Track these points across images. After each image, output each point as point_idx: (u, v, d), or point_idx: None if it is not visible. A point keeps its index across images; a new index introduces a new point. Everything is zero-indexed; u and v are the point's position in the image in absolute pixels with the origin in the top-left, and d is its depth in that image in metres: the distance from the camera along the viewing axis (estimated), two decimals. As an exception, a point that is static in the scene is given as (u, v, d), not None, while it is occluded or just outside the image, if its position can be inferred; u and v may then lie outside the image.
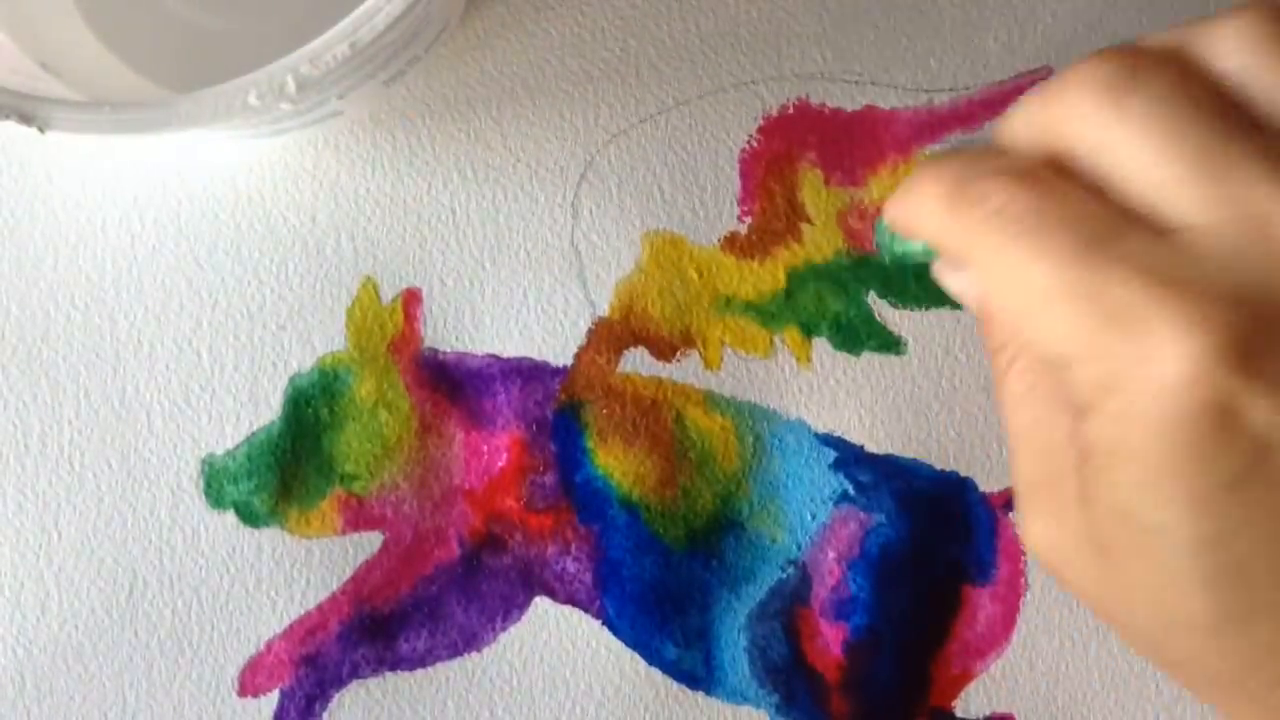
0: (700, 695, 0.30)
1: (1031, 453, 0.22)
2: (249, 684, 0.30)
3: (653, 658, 0.30)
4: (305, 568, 0.30)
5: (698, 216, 0.31)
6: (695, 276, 0.31)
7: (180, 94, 0.23)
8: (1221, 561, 0.19)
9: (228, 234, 0.30)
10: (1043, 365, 0.22)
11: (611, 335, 0.31)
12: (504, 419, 0.30)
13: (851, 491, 0.31)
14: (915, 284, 0.31)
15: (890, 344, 0.31)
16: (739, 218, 0.31)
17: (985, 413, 0.31)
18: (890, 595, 0.31)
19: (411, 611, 0.30)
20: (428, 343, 0.30)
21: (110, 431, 0.30)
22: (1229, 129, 0.19)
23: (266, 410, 0.30)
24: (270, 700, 0.30)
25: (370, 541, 0.30)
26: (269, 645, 0.30)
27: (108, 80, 0.28)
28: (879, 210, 0.29)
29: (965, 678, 0.31)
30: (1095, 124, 0.20)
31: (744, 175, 0.31)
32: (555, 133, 0.31)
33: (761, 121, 0.31)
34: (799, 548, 0.31)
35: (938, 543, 0.31)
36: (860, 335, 0.31)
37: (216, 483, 0.30)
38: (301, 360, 0.30)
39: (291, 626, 0.30)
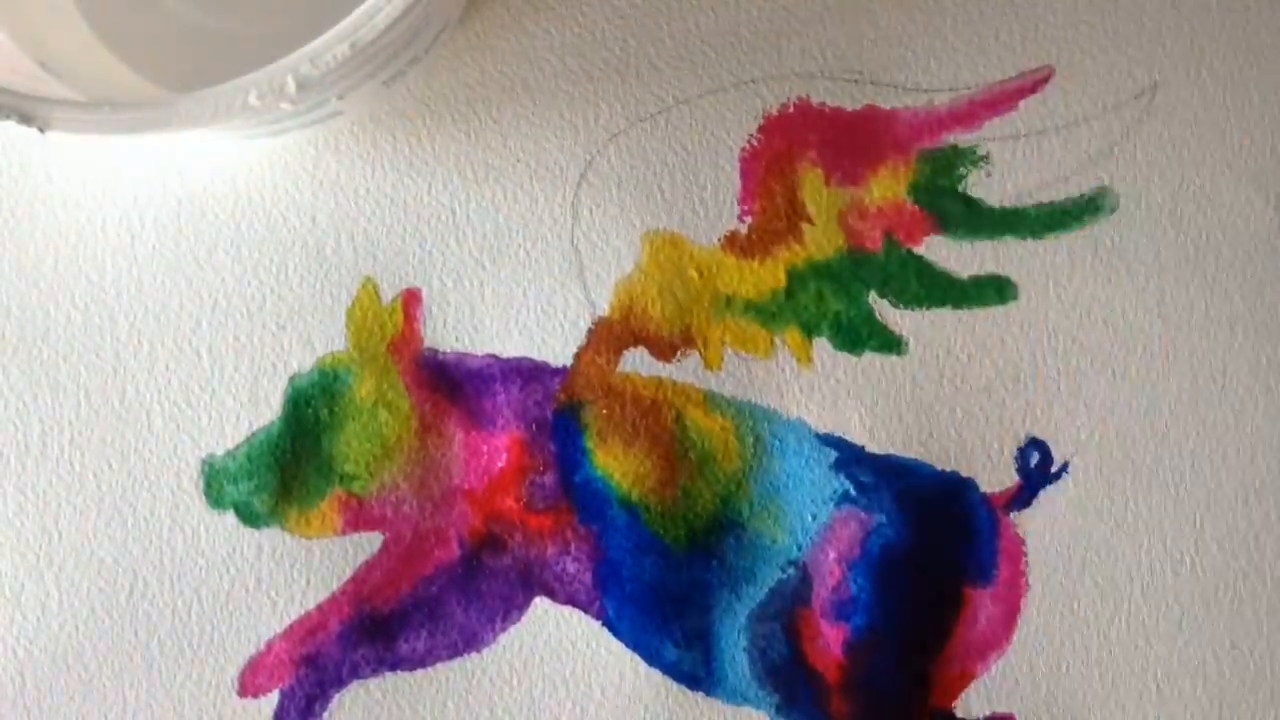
0: (700, 696, 0.30)
1: None
2: (249, 684, 0.30)
3: (652, 658, 0.30)
4: (305, 568, 0.30)
5: (698, 216, 0.31)
6: (695, 276, 0.31)
7: (180, 94, 0.23)
8: None
9: (228, 234, 0.30)
10: None
11: (611, 335, 0.31)
12: (504, 419, 0.30)
13: (852, 492, 0.31)
14: (916, 283, 0.31)
15: (891, 344, 0.31)
16: (739, 217, 0.31)
17: (986, 413, 0.31)
18: (891, 596, 0.31)
19: (411, 611, 0.30)
20: (428, 343, 0.30)
21: (110, 431, 0.30)
22: None
23: (266, 410, 0.30)
24: (270, 700, 0.30)
25: (370, 541, 0.30)
26: (269, 645, 0.30)
27: (108, 80, 0.28)
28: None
29: (966, 678, 0.31)
30: None
31: (744, 175, 0.31)
32: (555, 133, 0.31)
33: (762, 121, 0.31)
34: (799, 548, 0.31)
35: (939, 543, 0.31)
36: (861, 335, 0.31)
37: (216, 483, 0.30)
38: (301, 360, 0.30)
39: (291, 626, 0.30)
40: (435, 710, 0.30)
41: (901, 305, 0.31)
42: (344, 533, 0.30)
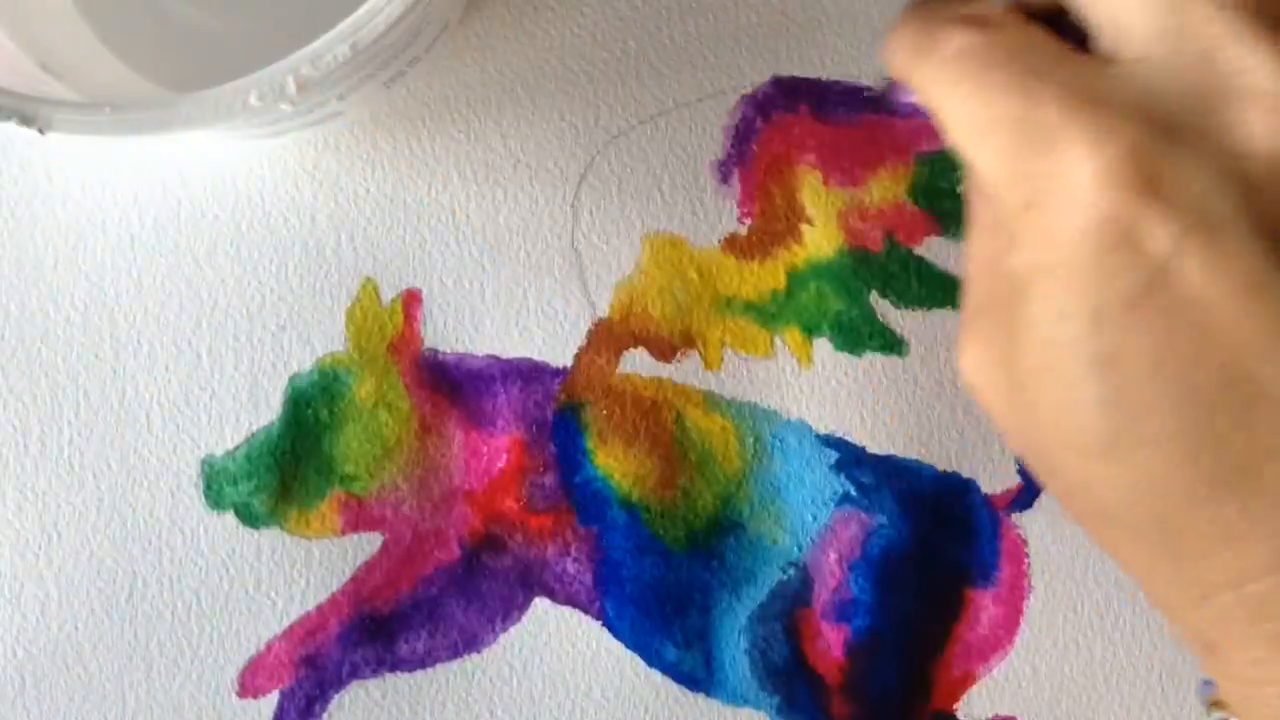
0: (700, 697, 0.30)
1: (976, 282, 0.23)
2: (249, 685, 0.30)
3: (653, 659, 0.30)
4: (305, 568, 0.30)
5: (698, 217, 0.31)
6: (695, 277, 0.31)
7: (180, 94, 0.23)
8: (1114, 383, 0.20)
9: (228, 234, 0.30)
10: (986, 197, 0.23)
11: (611, 336, 0.31)
12: (504, 420, 0.30)
13: (853, 493, 0.31)
14: (917, 284, 0.31)
15: (892, 344, 0.31)
16: (739, 219, 0.31)
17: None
18: (892, 597, 0.31)
19: (411, 612, 0.30)
20: (428, 343, 0.30)
21: (110, 431, 0.30)
22: None
23: (266, 411, 0.30)
24: (270, 701, 0.30)
25: (370, 542, 0.30)
26: (269, 646, 0.30)
27: (108, 80, 0.28)
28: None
29: (968, 680, 0.31)
30: None
31: (743, 177, 0.31)
32: (555, 134, 0.31)
33: (761, 123, 0.31)
34: (800, 549, 0.31)
35: (940, 544, 0.31)
36: (862, 335, 0.31)
37: (216, 484, 0.30)
38: (301, 361, 0.30)
39: (291, 627, 0.30)
40: (435, 710, 0.30)
41: (902, 306, 0.31)
42: (344, 533, 0.30)
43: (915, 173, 0.31)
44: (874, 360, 0.31)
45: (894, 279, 0.31)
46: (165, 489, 0.30)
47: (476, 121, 0.31)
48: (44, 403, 0.30)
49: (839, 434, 0.31)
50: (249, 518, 0.30)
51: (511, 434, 0.30)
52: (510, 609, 0.30)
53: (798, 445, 0.31)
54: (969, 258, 0.23)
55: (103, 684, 0.30)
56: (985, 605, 0.31)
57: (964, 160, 0.22)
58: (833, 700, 0.30)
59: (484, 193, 0.31)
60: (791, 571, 0.31)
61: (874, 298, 0.31)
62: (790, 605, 0.31)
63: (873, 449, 0.31)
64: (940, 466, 0.31)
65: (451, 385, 0.30)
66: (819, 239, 0.31)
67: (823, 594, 0.31)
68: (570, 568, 0.30)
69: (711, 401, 0.31)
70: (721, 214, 0.31)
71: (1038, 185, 0.20)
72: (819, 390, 0.31)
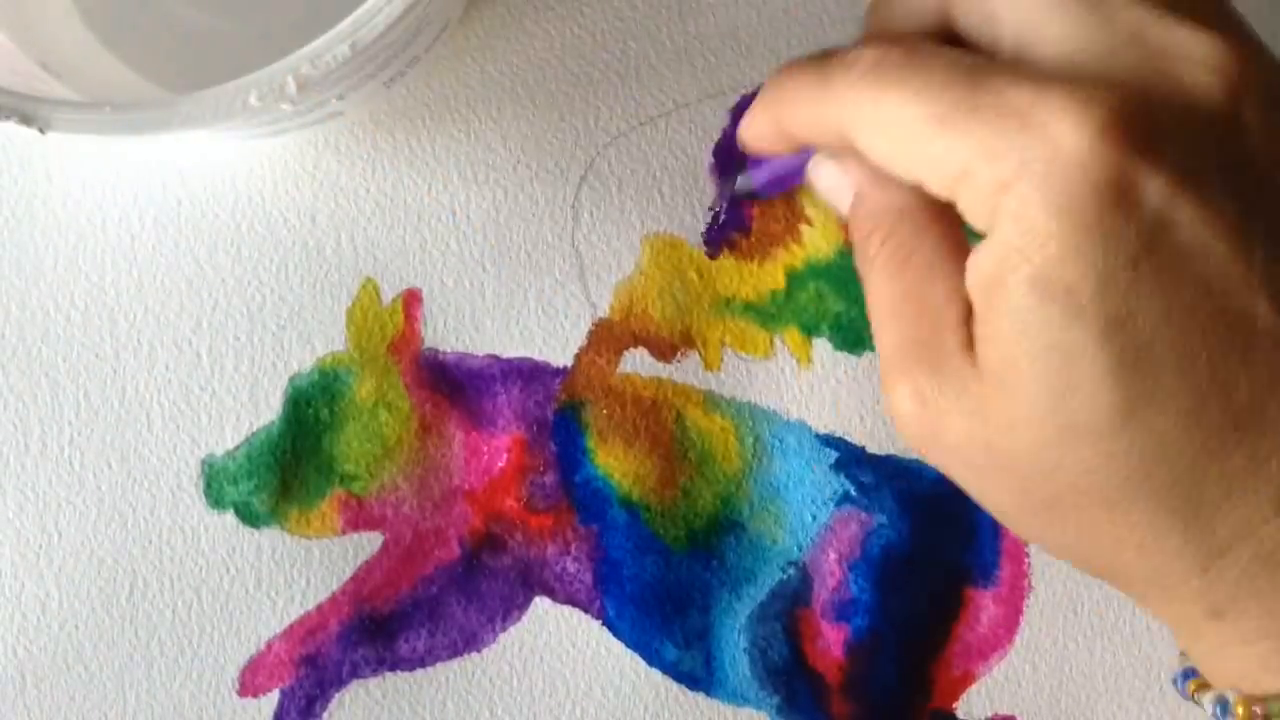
0: (700, 696, 0.30)
1: (905, 322, 0.23)
2: (249, 684, 0.30)
3: (653, 658, 0.30)
4: (305, 568, 0.30)
5: (697, 218, 0.31)
6: (695, 278, 0.31)
7: (180, 94, 0.23)
8: (1127, 345, 0.20)
9: (228, 234, 0.30)
10: (916, 230, 0.23)
11: (612, 336, 0.31)
12: (504, 419, 0.30)
13: (853, 492, 0.31)
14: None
15: (891, 345, 0.31)
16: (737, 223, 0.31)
17: (986, 414, 0.31)
18: (892, 597, 0.31)
19: (411, 611, 0.30)
20: (428, 343, 0.30)
21: (110, 431, 0.30)
22: None
23: (266, 410, 0.30)
24: (270, 700, 0.30)
25: (370, 541, 0.30)
26: (269, 645, 0.30)
27: (108, 80, 0.28)
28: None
29: (967, 679, 0.31)
30: None
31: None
32: (555, 134, 0.31)
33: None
34: (800, 549, 0.31)
35: (940, 544, 0.31)
36: (861, 335, 0.31)
37: (216, 483, 0.30)
38: (301, 360, 0.30)
39: (291, 626, 0.30)
40: (435, 710, 0.30)
41: (902, 306, 0.31)
42: (344, 533, 0.30)
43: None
44: (873, 360, 0.31)
45: (894, 279, 0.31)
46: (165, 488, 0.30)
47: (476, 121, 0.31)
48: (44, 403, 0.30)
49: (839, 434, 0.31)
50: (249, 517, 0.30)
51: (512, 433, 0.30)
52: (510, 608, 0.30)
53: (797, 445, 0.31)
54: (888, 298, 0.23)
55: (103, 683, 0.30)
56: (985, 605, 0.31)
57: (895, 173, 0.22)
58: (832, 699, 0.31)
59: (484, 193, 0.31)
60: (791, 571, 0.31)
61: (874, 297, 0.31)
62: (790, 605, 0.31)
63: (872, 449, 0.31)
64: (940, 466, 0.31)
65: (452, 385, 0.30)
66: (818, 239, 0.31)
67: (822, 593, 0.31)
68: (570, 567, 0.30)
69: (711, 401, 0.31)
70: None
71: (1018, 159, 0.20)
72: (819, 390, 0.31)
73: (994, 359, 0.21)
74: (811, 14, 0.31)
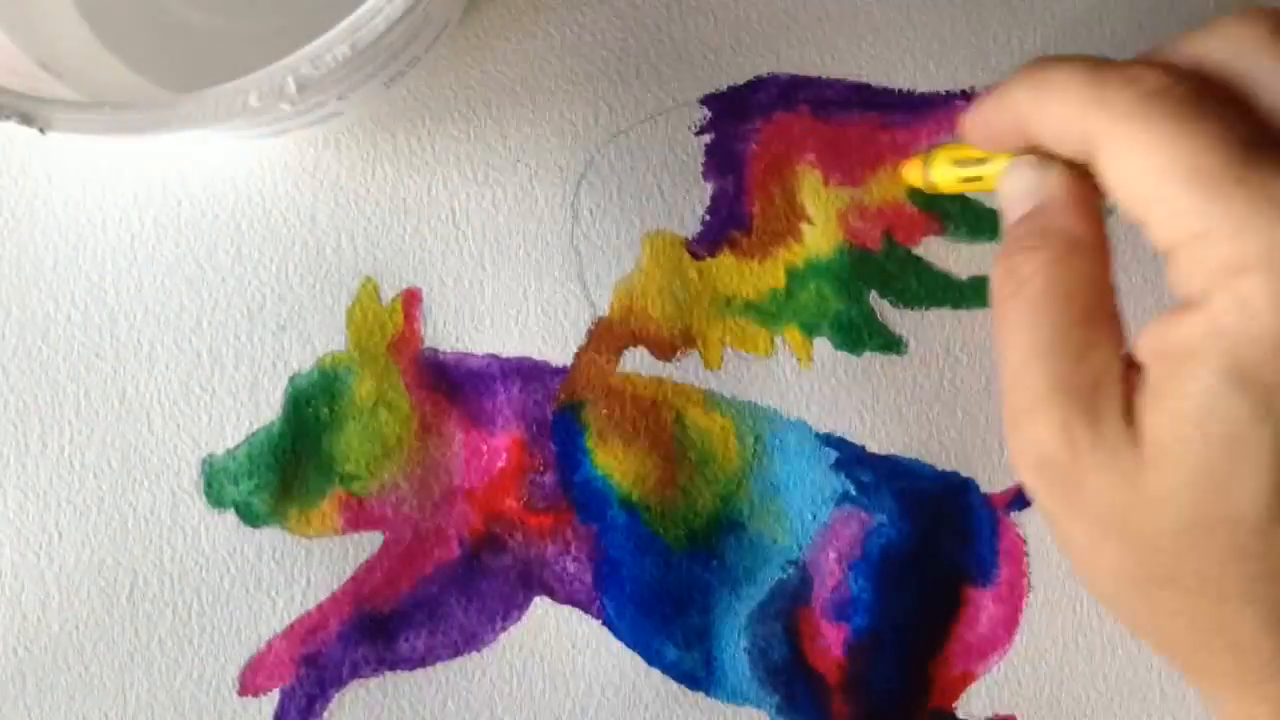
0: (700, 696, 0.30)
1: (1059, 361, 0.22)
2: (249, 684, 0.30)
3: (653, 658, 0.30)
4: (305, 568, 0.30)
5: (697, 217, 0.31)
6: (695, 276, 0.31)
7: (180, 94, 0.23)
8: None
9: (228, 234, 0.30)
10: (1087, 267, 0.22)
11: (611, 335, 0.31)
12: (504, 419, 0.30)
13: (853, 492, 0.31)
14: (917, 283, 0.31)
15: (891, 344, 0.31)
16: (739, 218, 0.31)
17: (987, 413, 0.31)
18: (891, 596, 0.31)
19: (411, 611, 0.30)
20: (428, 343, 0.30)
21: (110, 431, 0.30)
22: None
23: (266, 410, 0.30)
24: (271, 700, 0.30)
25: (370, 541, 0.30)
26: (269, 645, 0.30)
27: (108, 80, 0.28)
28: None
29: (967, 679, 0.31)
30: (1267, 55, 0.21)
31: (744, 176, 0.31)
32: (555, 133, 0.31)
33: (761, 123, 0.31)
34: (800, 548, 0.31)
35: (939, 543, 0.31)
36: (861, 335, 0.31)
37: (216, 483, 0.30)
38: (301, 360, 0.30)
39: (292, 626, 0.30)
40: (435, 710, 0.30)
41: (902, 305, 0.31)
42: (344, 533, 0.30)
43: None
44: (873, 360, 0.31)
45: (893, 279, 0.31)
46: (166, 488, 0.30)
47: (476, 121, 0.31)
48: (44, 402, 0.30)
49: (839, 433, 0.31)
50: (250, 517, 0.30)
51: (511, 433, 0.30)
52: (510, 608, 0.30)
53: (797, 444, 0.31)
54: (1035, 330, 0.22)
55: (103, 683, 0.30)
56: (984, 604, 0.31)
57: (1126, 202, 0.21)
58: (832, 699, 0.31)
59: (484, 193, 0.31)
60: (791, 570, 0.31)
61: (873, 297, 0.31)
62: (790, 604, 0.31)
63: (872, 448, 0.31)
64: (939, 466, 0.31)
65: (451, 384, 0.30)
66: (819, 238, 0.31)
67: (822, 593, 0.31)
68: (570, 567, 0.30)
69: (711, 401, 0.31)
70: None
71: (1256, 250, 0.19)
72: (819, 390, 0.31)
73: (1162, 433, 0.21)
74: (811, 14, 0.31)
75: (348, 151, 0.30)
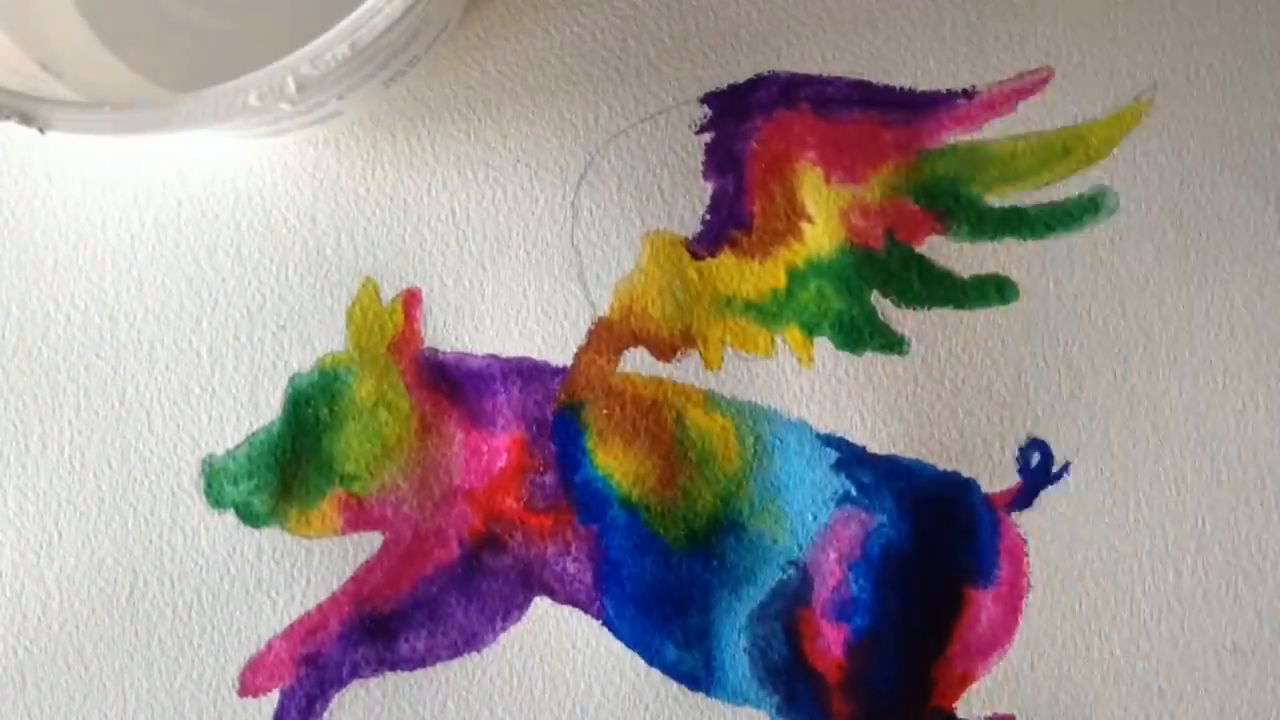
0: (700, 696, 0.30)
1: None
2: (249, 684, 0.30)
3: (653, 658, 0.30)
4: (305, 568, 0.30)
5: (697, 216, 0.31)
6: (695, 276, 0.31)
7: (180, 94, 0.23)
8: None
9: (228, 234, 0.30)
10: None
11: (611, 335, 0.31)
12: (504, 419, 0.30)
13: (853, 492, 0.31)
14: (919, 283, 0.31)
15: (892, 344, 0.31)
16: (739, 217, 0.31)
17: (988, 413, 0.31)
18: (892, 596, 0.31)
19: (411, 611, 0.30)
20: (428, 343, 0.30)
21: (110, 431, 0.30)
22: None
23: (266, 410, 0.30)
24: (271, 700, 0.30)
25: (370, 541, 0.30)
26: (269, 645, 0.30)
27: (108, 80, 0.28)
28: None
29: (967, 679, 0.31)
30: None
31: (744, 175, 0.31)
32: (555, 133, 0.31)
33: (761, 121, 0.31)
34: (800, 548, 0.31)
35: (940, 544, 0.31)
36: (862, 335, 0.31)
37: (216, 483, 0.30)
38: (301, 360, 0.30)
39: (292, 626, 0.30)
40: (435, 710, 0.30)
41: (903, 305, 0.31)
42: (344, 533, 0.30)
43: (917, 170, 0.31)
44: (874, 360, 0.31)
45: (895, 278, 0.31)
46: (166, 488, 0.30)
47: (476, 121, 0.31)
48: (44, 403, 0.30)
49: (839, 433, 0.31)
50: (249, 517, 0.30)
51: (511, 433, 0.30)
52: (510, 608, 0.30)
53: (798, 445, 0.31)
54: None
55: (103, 684, 0.30)
56: (985, 604, 0.31)
57: None
58: (832, 699, 0.31)
59: (484, 192, 0.31)
60: (791, 571, 0.31)
61: (875, 297, 0.31)
62: (790, 604, 0.31)
63: (873, 448, 0.31)
64: (940, 466, 0.31)
65: (451, 385, 0.30)
66: (820, 237, 0.31)
67: (822, 593, 0.31)
68: (570, 567, 0.30)
69: (711, 401, 0.31)
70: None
71: None
72: (819, 390, 0.31)
73: None
74: (811, 13, 0.31)
75: (348, 151, 0.30)
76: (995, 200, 0.31)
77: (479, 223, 0.31)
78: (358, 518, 0.30)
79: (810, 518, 0.31)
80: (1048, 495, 0.31)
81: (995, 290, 0.31)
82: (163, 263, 0.30)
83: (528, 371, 0.30)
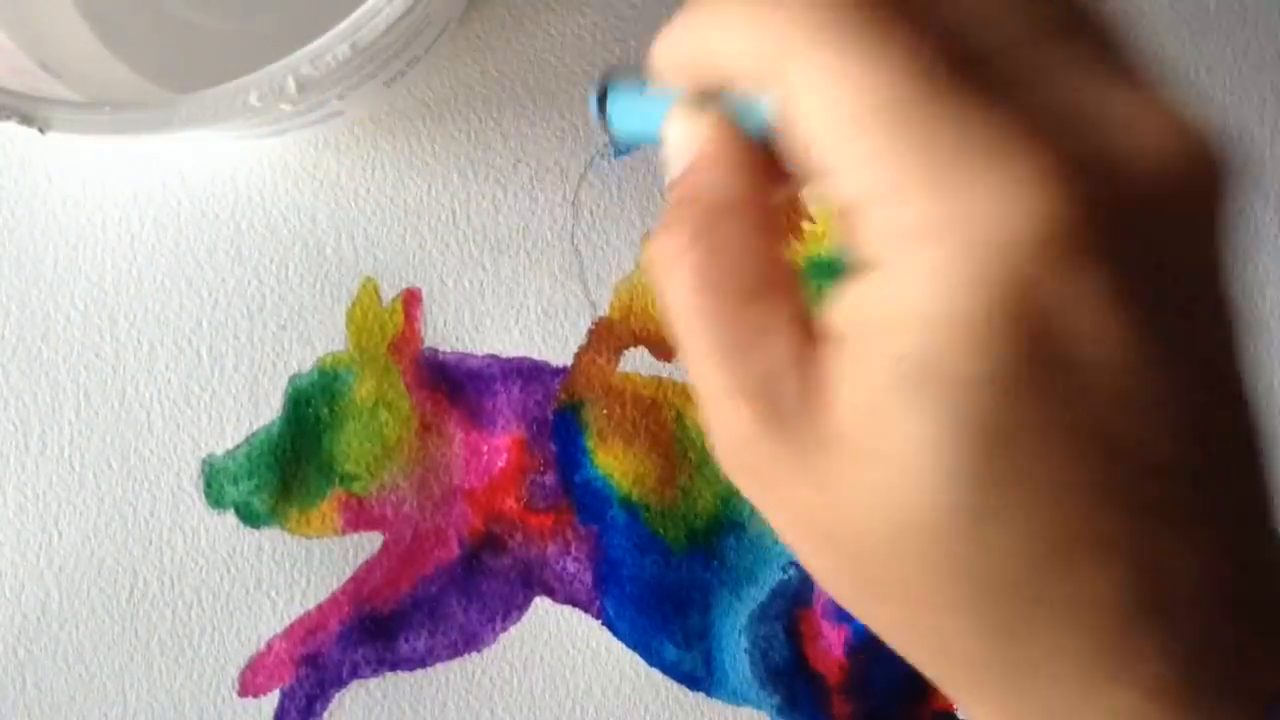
0: (700, 696, 0.30)
1: (722, 353, 0.18)
2: (249, 684, 0.30)
3: (653, 658, 0.30)
4: (305, 568, 0.30)
5: (698, 216, 0.31)
6: (696, 276, 0.31)
7: (180, 94, 0.23)
8: (990, 454, 0.16)
9: (228, 234, 0.30)
10: (751, 231, 0.19)
11: (612, 335, 0.31)
12: (504, 419, 0.30)
13: (853, 492, 0.31)
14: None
15: (891, 344, 0.31)
16: (739, 218, 0.31)
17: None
18: (892, 596, 0.31)
19: (411, 611, 0.30)
20: (428, 343, 0.30)
21: (110, 431, 0.30)
22: None
23: (266, 410, 0.30)
24: (271, 700, 0.30)
25: (370, 541, 0.30)
26: (269, 645, 0.30)
27: (108, 80, 0.28)
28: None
29: (967, 679, 0.31)
30: None
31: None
32: (555, 133, 0.31)
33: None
34: (800, 548, 0.31)
35: (939, 543, 0.31)
36: (861, 335, 0.31)
37: (216, 483, 0.30)
38: (301, 360, 0.30)
39: (292, 626, 0.30)
40: (435, 710, 0.30)
41: (902, 305, 0.31)
42: (344, 533, 0.30)
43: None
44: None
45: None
46: (166, 488, 0.30)
47: (476, 121, 0.31)
48: (44, 403, 0.30)
49: (839, 433, 0.31)
50: (249, 517, 0.30)
51: (511, 433, 0.30)
52: (510, 608, 0.30)
53: (798, 445, 0.31)
54: (693, 306, 0.18)
55: (103, 683, 0.30)
56: (985, 604, 0.31)
57: (811, 161, 0.17)
58: (833, 700, 0.30)
59: (484, 192, 0.31)
60: (792, 571, 0.31)
61: (874, 297, 0.31)
62: (791, 605, 0.31)
63: (873, 448, 0.31)
64: (940, 466, 0.31)
65: (451, 385, 0.30)
66: (820, 237, 0.31)
67: (823, 594, 0.31)
68: (570, 567, 0.30)
69: (711, 401, 0.31)
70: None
71: (941, 211, 0.16)
72: (819, 390, 0.31)
73: (843, 425, 0.18)
74: (812, 13, 0.31)
75: (348, 151, 0.30)
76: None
77: (479, 223, 0.31)
78: (358, 518, 0.30)
79: (810, 518, 0.31)
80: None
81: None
82: (163, 263, 0.30)
83: (528, 371, 0.30)
